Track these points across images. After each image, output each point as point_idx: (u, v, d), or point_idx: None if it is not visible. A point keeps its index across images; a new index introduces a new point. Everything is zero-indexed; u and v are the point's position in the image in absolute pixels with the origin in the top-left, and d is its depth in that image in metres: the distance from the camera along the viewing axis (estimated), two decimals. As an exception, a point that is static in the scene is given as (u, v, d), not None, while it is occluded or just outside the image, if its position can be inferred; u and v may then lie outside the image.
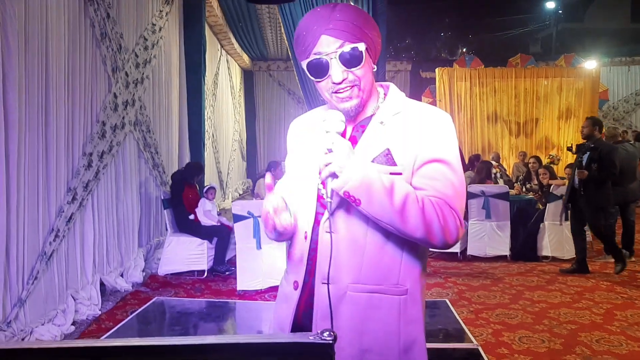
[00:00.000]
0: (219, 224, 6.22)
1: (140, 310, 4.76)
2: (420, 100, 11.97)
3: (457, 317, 4.49)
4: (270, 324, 1.61)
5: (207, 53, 8.46)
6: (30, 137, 3.87)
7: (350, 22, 1.41)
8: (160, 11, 6.60)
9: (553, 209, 6.70)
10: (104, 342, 0.98)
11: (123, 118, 5.43)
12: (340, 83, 1.42)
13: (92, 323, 4.51)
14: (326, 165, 1.36)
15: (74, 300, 4.52)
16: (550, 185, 6.96)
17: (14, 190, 3.67)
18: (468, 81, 12.69)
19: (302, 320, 1.51)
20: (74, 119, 4.55)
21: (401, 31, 16.82)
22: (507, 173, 10.36)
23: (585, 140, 6.08)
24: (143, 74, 5.96)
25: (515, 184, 8.44)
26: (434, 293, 5.34)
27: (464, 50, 18.19)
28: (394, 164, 1.42)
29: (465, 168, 9.02)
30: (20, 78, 3.72)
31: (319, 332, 0.93)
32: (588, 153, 5.88)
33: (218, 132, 11.32)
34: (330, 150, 1.37)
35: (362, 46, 1.41)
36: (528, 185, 8.03)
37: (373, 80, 1.50)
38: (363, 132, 1.49)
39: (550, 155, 11.82)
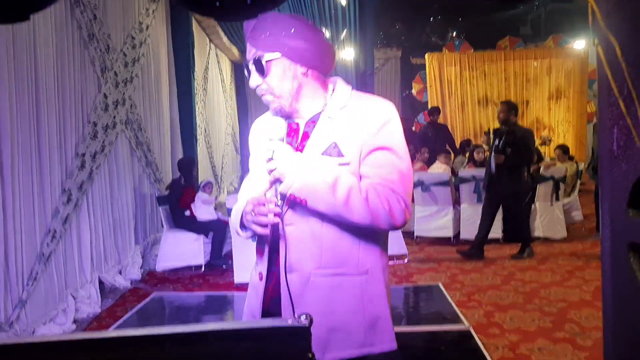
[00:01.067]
0: (216, 218, 6.32)
1: (139, 306, 4.85)
2: (410, 87, 12.05)
3: (450, 300, 4.60)
4: (243, 314, 1.71)
5: (196, 48, 8.49)
6: (23, 140, 3.93)
7: (264, 33, 1.51)
8: (147, 9, 6.63)
9: (544, 190, 6.79)
10: (103, 333, 1.06)
11: (114, 117, 5.48)
12: (255, 88, 1.55)
13: (93, 321, 4.59)
14: (270, 172, 1.48)
15: (74, 299, 4.60)
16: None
17: (9, 193, 3.73)
18: (458, 66, 12.77)
19: (270, 307, 1.60)
20: (65, 121, 4.60)
21: (391, 17, 16.79)
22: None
23: (502, 125, 6.08)
24: (132, 72, 6.00)
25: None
26: (427, 278, 5.44)
27: (454, 34, 18.20)
28: (342, 155, 1.52)
29: (457, 153, 9.12)
30: (10, 83, 3.77)
31: (296, 316, 1.01)
32: (504, 137, 5.93)
33: (210, 127, 11.35)
34: (271, 158, 1.49)
35: (272, 56, 1.51)
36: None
37: (301, 87, 1.58)
38: (314, 127, 1.59)
39: (541, 136, 11.94)
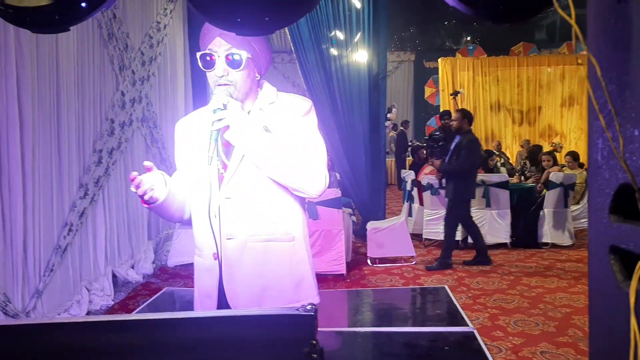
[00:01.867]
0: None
1: (151, 300, 4.96)
2: (423, 90, 12.07)
3: (455, 302, 4.65)
4: (195, 298, 1.88)
5: (212, 48, 8.60)
6: (43, 136, 4.06)
7: None
8: (165, 9, 6.76)
9: (553, 197, 6.83)
10: (121, 316, 1.16)
11: (131, 115, 5.61)
12: (221, 77, 1.74)
13: (106, 313, 4.71)
14: (219, 121, 1.69)
15: (88, 291, 4.72)
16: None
17: (30, 187, 3.86)
18: (471, 70, 12.79)
19: (222, 284, 1.79)
20: (84, 118, 4.74)
21: (405, 21, 16.84)
22: (511, 162, 10.48)
23: (456, 133, 6.13)
24: (149, 71, 6.13)
25: (515, 174, 8.57)
26: (434, 280, 5.50)
27: (468, 39, 18.20)
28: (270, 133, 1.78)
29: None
30: (33, 80, 3.90)
31: (303, 305, 1.10)
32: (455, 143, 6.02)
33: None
34: (225, 107, 1.71)
35: (244, 54, 1.74)
36: (527, 173, 8.15)
37: (252, 85, 1.84)
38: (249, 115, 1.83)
39: (553, 143, 11.92)
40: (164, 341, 1.19)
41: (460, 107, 12.47)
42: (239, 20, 1.04)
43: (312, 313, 1.08)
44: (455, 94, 10.06)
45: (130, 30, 5.70)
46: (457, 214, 6.01)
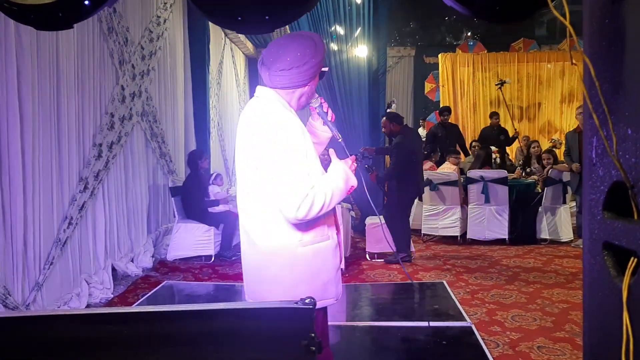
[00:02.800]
0: (228, 209, 6.47)
1: (150, 293, 5.00)
2: (423, 85, 12.06)
3: (454, 297, 4.71)
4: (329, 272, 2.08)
5: (211, 42, 8.61)
6: (43, 129, 4.07)
7: None
8: (165, 3, 6.75)
9: (551, 193, 6.85)
10: (124, 309, 1.17)
11: (130, 109, 5.62)
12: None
13: (105, 306, 4.74)
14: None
15: (88, 284, 4.74)
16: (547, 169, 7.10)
17: (30, 180, 3.88)
18: (471, 66, 12.79)
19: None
20: (84, 111, 4.74)
21: (405, 16, 16.82)
22: (510, 157, 10.50)
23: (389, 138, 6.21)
24: (149, 65, 6.13)
25: (517, 169, 8.58)
26: (432, 275, 5.53)
27: (469, 34, 18.18)
28: None
29: (467, 154, 9.19)
30: (33, 73, 3.91)
31: (301, 299, 1.12)
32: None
33: (223, 120, 11.48)
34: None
35: None
36: (528, 169, 8.17)
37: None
38: None
39: (552, 139, 11.93)
40: (164, 333, 1.21)
41: (459, 101, 12.53)
42: (239, 19, 1.06)
43: (311, 306, 1.10)
44: (501, 83, 9.97)
45: (130, 24, 5.70)
46: (397, 214, 5.95)
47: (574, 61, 0.91)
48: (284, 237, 1.93)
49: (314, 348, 1.10)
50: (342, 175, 1.92)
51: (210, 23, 8.45)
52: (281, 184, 1.82)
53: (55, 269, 4.28)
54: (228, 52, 12.26)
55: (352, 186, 1.96)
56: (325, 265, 1.99)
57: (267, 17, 1.02)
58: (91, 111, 4.89)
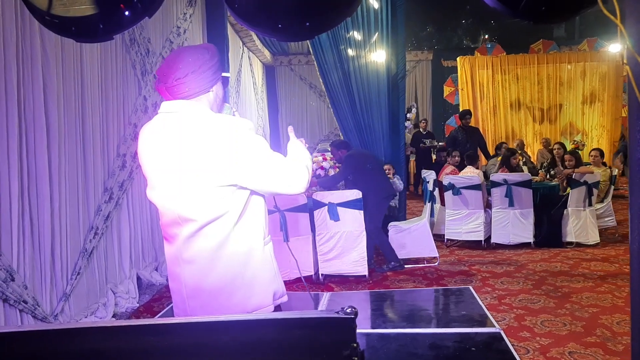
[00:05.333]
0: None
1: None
2: (441, 89, 12.06)
3: (480, 303, 4.65)
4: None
5: (230, 51, 8.66)
6: (69, 141, 4.12)
7: None
8: (184, 13, 6.81)
9: (577, 195, 6.75)
10: (145, 321, 1.17)
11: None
12: None
13: (131, 315, 4.76)
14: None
15: (114, 294, 4.77)
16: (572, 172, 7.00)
17: (56, 191, 3.92)
18: (490, 69, 12.71)
19: None
20: (108, 122, 4.79)
21: (422, 20, 16.78)
22: (532, 160, 10.39)
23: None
24: (170, 75, 6.17)
25: (539, 171, 8.48)
26: (457, 281, 5.47)
27: (486, 37, 18.07)
28: None
29: (489, 157, 9.12)
30: (59, 86, 3.96)
31: (342, 308, 1.10)
32: None
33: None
34: None
35: None
36: (552, 172, 8.06)
37: None
38: None
39: (574, 140, 11.82)
40: (199, 344, 1.20)
41: (479, 104, 12.44)
42: (280, 26, 1.05)
43: (352, 316, 1.08)
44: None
45: (152, 35, 5.76)
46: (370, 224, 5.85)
47: (624, 61, 0.88)
48: (252, 240, 1.93)
49: (356, 358, 1.08)
50: (304, 148, 2.13)
51: (229, 32, 8.51)
52: (279, 167, 1.90)
53: (82, 279, 4.31)
54: (246, 61, 12.34)
55: None
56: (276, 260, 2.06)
57: (307, 24, 1.01)
58: (115, 122, 4.94)
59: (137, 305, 4.97)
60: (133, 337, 1.22)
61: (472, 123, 11.64)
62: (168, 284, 5.56)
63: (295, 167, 1.96)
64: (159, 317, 4.55)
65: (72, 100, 4.18)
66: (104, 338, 1.27)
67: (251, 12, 1.10)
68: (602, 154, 7.84)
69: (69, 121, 4.12)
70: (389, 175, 6.52)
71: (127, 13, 1.09)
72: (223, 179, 1.83)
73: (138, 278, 5.35)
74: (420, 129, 12.01)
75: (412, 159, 12.01)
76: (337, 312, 1.09)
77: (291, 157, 2.05)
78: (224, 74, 2.01)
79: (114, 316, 4.62)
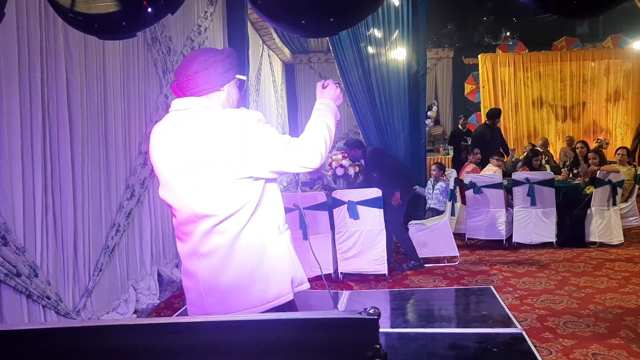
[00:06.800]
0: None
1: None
2: (462, 87, 11.97)
3: (502, 303, 4.60)
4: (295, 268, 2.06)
5: (250, 50, 8.68)
6: (92, 139, 4.16)
7: None
8: (205, 12, 6.83)
9: (600, 194, 6.64)
10: (166, 319, 1.17)
11: (174, 117, 5.69)
12: None
13: (152, 312, 4.80)
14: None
15: (135, 290, 4.82)
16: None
17: (79, 189, 3.97)
18: (512, 66, 12.56)
19: None
20: (129, 120, 4.83)
21: (443, 17, 16.63)
22: (554, 159, 10.24)
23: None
24: (191, 74, 6.21)
25: (562, 170, 8.36)
26: (479, 280, 5.41)
27: (508, 34, 17.86)
28: None
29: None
30: (81, 84, 4.00)
31: (365, 309, 1.09)
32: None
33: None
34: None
35: None
36: (575, 171, 7.94)
37: None
38: None
39: (598, 139, 11.61)
40: (218, 343, 1.20)
41: (500, 102, 12.30)
42: (303, 22, 1.04)
43: (376, 317, 1.07)
44: None
45: (173, 33, 5.79)
46: (395, 220, 5.88)
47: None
48: (267, 231, 1.93)
49: None
50: (332, 108, 2.09)
51: (249, 31, 8.54)
52: (289, 147, 1.87)
53: (104, 276, 4.36)
54: (266, 59, 12.37)
55: (338, 120, 2.10)
56: (293, 248, 2.05)
57: (331, 20, 1.00)
58: (137, 120, 4.98)
59: (158, 301, 5.01)
60: (154, 335, 1.22)
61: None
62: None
63: (305, 144, 1.90)
64: (179, 313, 4.58)
65: (94, 99, 4.22)
66: (126, 336, 1.27)
67: (274, 8, 1.09)
68: (629, 152, 7.71)
69: (91, 119, 4.16)
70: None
71: (149, 10, 1.09)
72: (237, 171, 1.84)
73: (159, 274, 5.38)
74: (460, 126, 11.89)
75: (448, 156, 11.90)
76: (360, 313, 1.08)
77: (307, 130, 1.99)
78: (239, 76, 2.02)
79: (135, 312, 4.66)
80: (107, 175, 4.43)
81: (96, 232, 4.26)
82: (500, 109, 9.77)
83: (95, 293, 4.24)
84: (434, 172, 6.94)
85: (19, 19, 3.33)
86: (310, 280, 4.49)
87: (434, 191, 6.83)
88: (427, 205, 6.95)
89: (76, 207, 3.94)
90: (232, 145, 1.82)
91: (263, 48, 11.95)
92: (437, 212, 6.66)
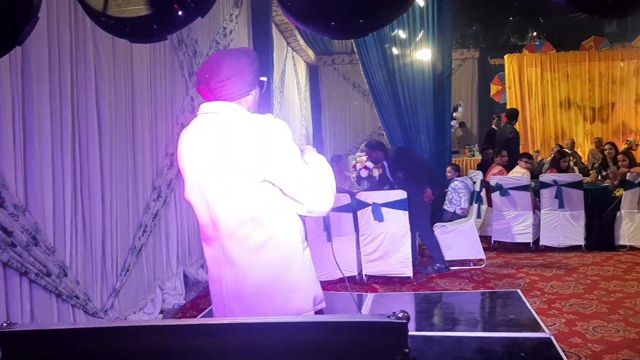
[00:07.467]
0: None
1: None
2: (488, 88, 11.81)
3: (529, 307, 4.53)
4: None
5: (274, 51, 8.71)
6: (119, 141, 4.22)
7: None
8: (231, 14, 6.88)
9: (630, 197, 6.51)
10: (195, 320, 1.17)
11: (199, 119, 5.75)
12: None
13: (178, 312, 4.85)
14: None
15: (161, 290, 4.87)
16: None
17: (108, 190, 4.03)
18: (539, 67, 12.39)
19: None
20: (156, 122, 4.89)
21: (468, 17, 16.49)
22: (582, 161, 10.07)
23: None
24: (216, 76, 6.26)
25: (590, 172, 8.22)
26: (505, 284, 5.35)
27: (535, 34, 17.64)
28: None
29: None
30: (110, 87, 4.06)
31: (394, 312, 1.08)
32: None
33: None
34: None
35: None
36: (604, 173, 7.80)
37: None
38: None
39: (628, 140, 11.37)
40: (246, 344, 1.20)
41: (527, 103, 12.14)
42: (333, 24, 1.04)
43: (404, 321, 1.06)
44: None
45: (199, 36, 5.84)
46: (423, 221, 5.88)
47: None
48: (292, 245, 1.92)
49: (408, 364, 1.06)
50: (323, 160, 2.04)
51: (273, 33, 8.57)
52: (308, 185, 1.87)
53: (131, 276, 4.41)
54: (290, 61, 12.40)
55: None
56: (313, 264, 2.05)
57: (361, 21, 1.00)
58: (163, 122, 5.04)
59: (184, 301, 5.05)
60: (182, 336, 1.23)
61: (520, 122, 11.36)
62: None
63: (323, 185, 1.91)
64: (204, 314, 4.61)
65: (122, 101, 4.28)
66: (154, 337, 1.28)
67: (303, 10, 1.09)
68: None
69: (119, 121, 4.22)
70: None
71: (180, 13, 1.10)
72: (255, 175, 1.84)
73: (184, 275, 5.43)
74: (494, 126, 11.78)
75: (474, 158, 11.78)
76: (389, 317, 1.07)
77: (316, 171, 1.95)
78: (262, 78, 2.04)
79: (161, 312, 4.71)
80: (134, 176, 4.49)
81: (124, 232, 4.32)
82: (515, 109, 9.67)
83: (123, 293, 4.29)
84: (449, 174, 6.86)
85: (49, 24, 3.40)
86: (333, 282, 4.48)
87: (450, 191, 6.70)
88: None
89: (104, 208, 4.00)
90: (252, 149, 1.83)
91: (287, 50, 11.98)
92: (456, 216, 6.57)
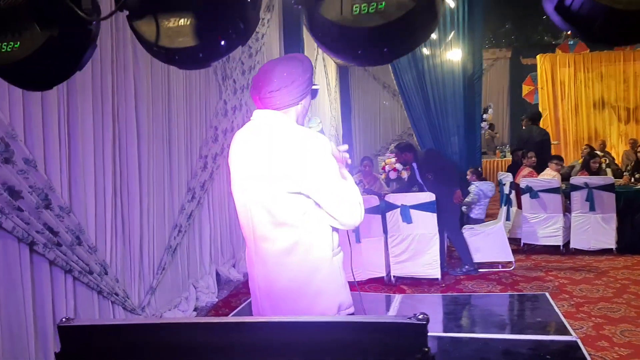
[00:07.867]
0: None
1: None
2: (520, 88, 11.66)
3: (557, 310, 4.55)
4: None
5: (305, 53, 8.83)
6: (156, 144, 4.40)
7: None
8: (262, 19, 7.02)
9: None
10: (227, 319, 1.28)
11: (232, 122, 5.90)
12: None
13: (211, 310, 5.00)
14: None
15: (195, 288, 5.04)
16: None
17: (145, 192, 4.20)
18: (572, 67, 12.24)
19: None
20: (191, 126, 5.06)
21: (500, 16, 16.32)
22: (616, 162, 9.92)
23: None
24: (249, 80, 6.40)
25: (624, 174, 8.11)
26: (534, 287, 5.36)
27: (568, 33, 17.34)
28: None
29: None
30: (148, 92, 4.24)
31: (415, 314, 1.18)
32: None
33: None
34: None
35: None
36: (638, 175, 7.70)
37: None
38: None
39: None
40: (277, 342, 1.30)
41: (559, 103, 11.99)
42: (359, 52, 1.14)
43: (424, 322, 1.16)
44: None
45: (232, 41, 5.99)
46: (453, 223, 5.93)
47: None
48: (322, 250, 1.99)
49: (427, 363, 1.15)
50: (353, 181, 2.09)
51: (304, 36, 8.69)
52: (344, 200, 1.94)
53: (166, 274, 4.58)
54: (320, 63, 12.50)
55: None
56: (344, 271, 2.08)
57: (385, 50, 1.09)
58: (197, 125, 5.20)
59: (216, 300, 5.21)
60: (216, 333, 1.33)
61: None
62: (244, 280, 5.79)
63: (356, 201, 1.98)
64: (236, 312, 4.75)
65: (159, 105, 4.45)
66: (190, 333, 1.39)
67: (332, 40, 1.20)
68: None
69: (156, 125, 4.40)
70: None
71: (223, 43, 1.21)
72: (293, 187, 1.92)
73: (217, 274, 5.60)
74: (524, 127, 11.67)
75: (505, 159, 11.71)
76: (410, 318, 1.17)
77: (351, 187, 2.02)
78: (313, 87, 2.09)
79: (195, 310, 4.87)
80: (170, 178, 4.66)
81: (160, 232, 4.49)
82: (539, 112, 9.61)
83: (159, 290, 4.46)
84: (468, 177, 6.86)
85: (92, 33, 3.57)
86: (362, 283, 4.58)
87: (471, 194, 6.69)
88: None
89: (142, 208, 4.18)
90: (295, 166, 1.92)
91: (318, 52, 12.09)
92: (474, 220, 6.58)
